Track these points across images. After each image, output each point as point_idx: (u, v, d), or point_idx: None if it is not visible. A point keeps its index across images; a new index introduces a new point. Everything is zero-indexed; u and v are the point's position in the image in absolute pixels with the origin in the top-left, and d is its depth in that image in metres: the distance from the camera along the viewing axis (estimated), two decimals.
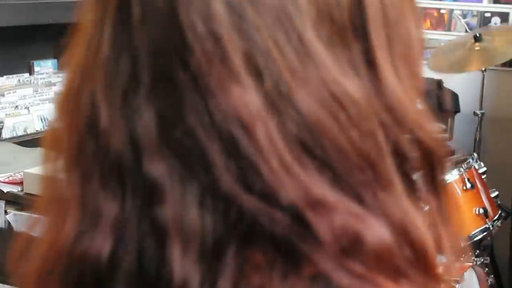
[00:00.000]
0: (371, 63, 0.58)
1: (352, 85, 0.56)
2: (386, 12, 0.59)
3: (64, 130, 0.59)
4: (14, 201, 2.31)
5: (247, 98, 0.53)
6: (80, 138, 0.58)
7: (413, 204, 0.58)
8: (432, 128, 0.61)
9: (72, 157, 0.59)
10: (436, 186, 0.62)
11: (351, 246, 0.54)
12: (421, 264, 0.58)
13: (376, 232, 0.55)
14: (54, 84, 3.47)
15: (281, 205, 0.53)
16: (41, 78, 3.48)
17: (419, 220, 0.58)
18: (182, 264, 0.54)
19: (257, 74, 0.53)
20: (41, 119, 3.29)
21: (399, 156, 0.58)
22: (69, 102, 0.59)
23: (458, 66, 3.45)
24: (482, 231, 2.92)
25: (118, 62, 0.56)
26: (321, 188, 0.54)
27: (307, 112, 0.54)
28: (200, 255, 0.54)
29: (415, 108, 0.60)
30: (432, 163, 0.61)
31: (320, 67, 0.55)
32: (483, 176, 3.03)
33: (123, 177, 0.56)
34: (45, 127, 3.26)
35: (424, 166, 0.61)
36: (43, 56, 3.64)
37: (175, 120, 0.54)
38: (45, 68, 3.66)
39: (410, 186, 0.59)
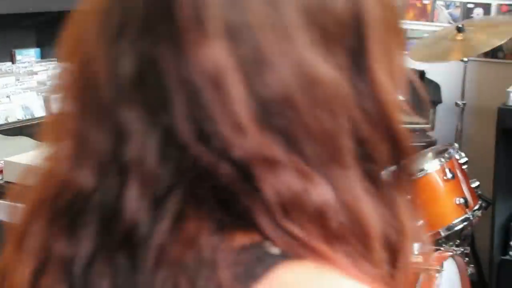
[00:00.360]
0: (361, 67, 0.64)
1: (327, 72, 0.61)
2: (383, 28, 0.65)
3: (68, 71, 0.67)
4: None
5: (218, 56, 0.58)
6: (77, 77, 0.65)
7: (368, 193, 0.63)
8: (408, 131, 0.66)
9: (72, 92, 0.66)
10: (404, 181, 0.67)
11: (293, 206, 0.59)
12: (363, 242, 0.62)
13: (322, 192, 0.59)
14: (36, 73, 3.45)
15: (232, 160, 0.58)
16: (23, 67, 3.47)
17: (369, 206, 0.62)
18: (136, 204, 0.60)
19: (234, 39, 0.59)
20: (23, 108, 3.28)
21: (365, 150, 0.63)
22: (72, 46, 0.66)
23: (441, 56, 3.47)
24: (463, 220, 2.94)
25: (112, 12, 0.63)
26: (274, 149, 0.59)
27: (277, 84, 0.59)
28: (153, 199, 0.60)
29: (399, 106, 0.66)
30: (402, 159, 0.66)
31: (297, 48, 0.60)
32: (464, 167, 3.04)
33: (105, 116, 0.62)
34: (27, 116, 3.26)
35: (394, 162, 0.66)
36: (25, 45, 3.62)
37: (151, 67, 0.60)
38: (27, 57, 3.64)
39: (371, 179, 0.64)
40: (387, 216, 0.64)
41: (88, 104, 0.64)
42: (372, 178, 0.64)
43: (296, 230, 0.59)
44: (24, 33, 3.59)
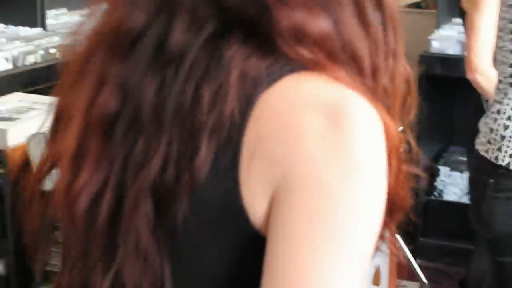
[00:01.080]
0: None
1: None
2: None
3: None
4: None
5: None
6: None
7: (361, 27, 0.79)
8: None
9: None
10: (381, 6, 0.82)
11: (301, 34, 0.75)
12: (356, 66, 0.79)
13: (322, 24, 0.76)
14: None
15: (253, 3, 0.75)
16: None
17: (360, 37, 0.79)
18: (183, 32, 0.76)
19: None
20: None
21: None
22: None
23: None
24: None
25: None
26: None
27: None
28: (197, 29, 0.76)
29: None
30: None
31: None
32: None
33: None
34: None
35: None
36: None
37: None
38: None
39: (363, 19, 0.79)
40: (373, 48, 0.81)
41: None
42: (363, 18, 0.80)
43: (305, 52, 0.76)
44: None
